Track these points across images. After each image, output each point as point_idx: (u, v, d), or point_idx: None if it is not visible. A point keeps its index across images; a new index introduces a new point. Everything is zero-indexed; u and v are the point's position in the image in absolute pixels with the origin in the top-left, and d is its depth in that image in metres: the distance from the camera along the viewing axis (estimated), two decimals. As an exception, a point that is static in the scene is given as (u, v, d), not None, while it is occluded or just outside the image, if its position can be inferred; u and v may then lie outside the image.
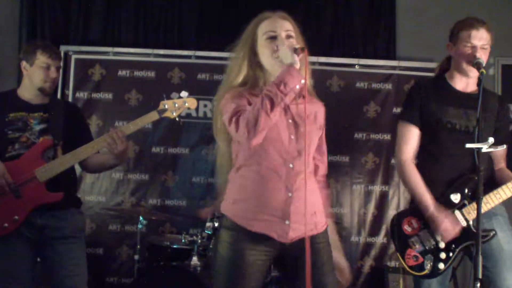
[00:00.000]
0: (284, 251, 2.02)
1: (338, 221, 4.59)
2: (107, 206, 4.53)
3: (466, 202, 2.47)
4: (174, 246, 3.77)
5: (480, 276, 2.06)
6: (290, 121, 2.03)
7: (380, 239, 4.61)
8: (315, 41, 4.87)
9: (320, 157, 2.19)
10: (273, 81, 1.93)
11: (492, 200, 2.42)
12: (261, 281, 2.04)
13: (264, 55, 2.08)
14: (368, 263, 4.60)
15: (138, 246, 3.86)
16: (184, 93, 2.77)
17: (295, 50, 1.94)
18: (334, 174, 4.63)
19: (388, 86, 4.73)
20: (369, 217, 4.64)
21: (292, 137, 2.01)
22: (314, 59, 4.70)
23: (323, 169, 2.20)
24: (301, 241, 1.96)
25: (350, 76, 4.76)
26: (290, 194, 1.97)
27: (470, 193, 2.46)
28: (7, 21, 4.67)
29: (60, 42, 4.63)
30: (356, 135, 4.70)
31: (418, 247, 2.51)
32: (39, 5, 4.71)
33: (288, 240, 1.98)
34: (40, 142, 2.74)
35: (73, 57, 4.63)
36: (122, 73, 4.65)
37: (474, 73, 2.48)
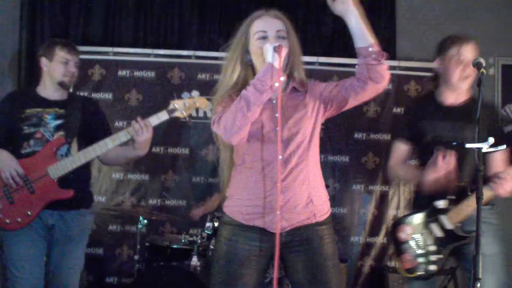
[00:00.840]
0: (281, 246, 2.02)
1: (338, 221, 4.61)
2: (107, 206, 4.53)
3: (450, 207, 2.60)
4: (174, 246, 3.77)
5: (480, 276, 2.07)
6: (276, 115, 2.04)
7: (380, 239, 4.61)
8: (315, 41, 4.87)
9: (343, 83, 2.15)
10: (251, 80, 1.97)
11: (474, 204, 2.42)
12: (256, 278, 2.06)
13: (255, 55, 2.09)
14: (368, 263, 4.61)
15: (138, 246, 3.87)
16: (195, 93, 2.81)
17: (274, 49, 1.95)
18: (334, 174, 4.64)
19: (388, 86, 4.73)
20: (369, 217, 4.65)
21: (277, 129, 2.02)
22: (314, 59, 4.71)
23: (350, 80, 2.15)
24: (297, 230, 2.03)
25: (350, 76, 4.74)
26: (278, 185, 1.99)
27: (454, 198, 2.60)
28: (7, 21, 4.67)
29: (60, 42, 4.64)
30: (356, 135, 4.70)
31: (411, 251, 2.66)
32: (39, 5, 4.71)
33: (280, 230, 1.99)
34: (53, 141, 2.81)
35: (73, 57, 4.63)
36: (122, 73, 4.65)
37: (465, 85, 2.61)
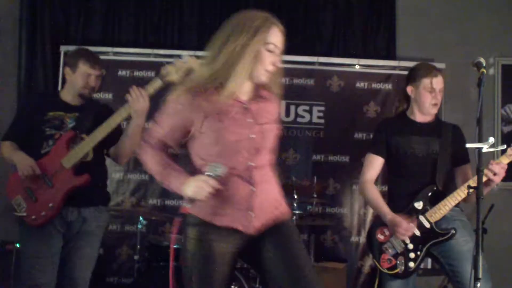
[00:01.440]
0: (250, 241, 2.07)
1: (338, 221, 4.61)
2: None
3: (428, 207, 2.86)
4: (174, 246, 3.76)
5: (480, 276, 2.09)
6: (249, 120, 2.06)
7: (363, 239, 4.61)
8: (315, 41, 4.88)
9: None
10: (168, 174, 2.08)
11: (449, 203, 2.81)
12: (228, 275, 2.07)
13: (259, 60, 2.03)
14: (368, 263, 4.60)
15: (138, 246, 3.86)
16: (184, 56, 2.87)
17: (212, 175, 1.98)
18: (334, 174, 4.63)
19: (388, 86, 4.74)
20: (369, 217, 4.64)
21: (253, 136, 2.05)
22: (314, 59, 4.72)
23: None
24: (267, 227, 2.07)
25: (350, 76, 4.76)
26: (253, 189, 2.04)
27: (431, 199, 2.86)
28: (7, 21, 4.67)
29: (60, 42, 4.64)
30: (356, 135, 4.70)
31: (390, 251, 2.87)
32: (39, 5, 4.72)
33: (253, 230, 2.05)
34: (64, 135, 2.92)
35: (73, 57, 4.63)
36: (122, 73, 4.66)
37: (435, 110, 2.99)
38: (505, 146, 2.61)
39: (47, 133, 2.93)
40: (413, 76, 3.02)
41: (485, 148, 2.22)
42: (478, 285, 2.10)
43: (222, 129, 2.02)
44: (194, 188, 1.97)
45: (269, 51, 2.04)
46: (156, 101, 2.44)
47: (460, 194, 2.80)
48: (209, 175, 1.96)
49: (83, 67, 2.99)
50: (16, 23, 4.69)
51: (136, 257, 3.87)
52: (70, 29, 4.75)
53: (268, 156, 2.13)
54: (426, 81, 2.94)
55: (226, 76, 2.01)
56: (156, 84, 2.88)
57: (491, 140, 2.24)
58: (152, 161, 2.13)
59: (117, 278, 4.52)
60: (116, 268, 4.52)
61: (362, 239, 4.63)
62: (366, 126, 4.67)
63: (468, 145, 2.35)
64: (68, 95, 3.06)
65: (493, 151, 2.32)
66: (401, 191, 2.96)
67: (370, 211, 4.64)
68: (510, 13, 4.75)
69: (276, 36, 2.06)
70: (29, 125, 2.97)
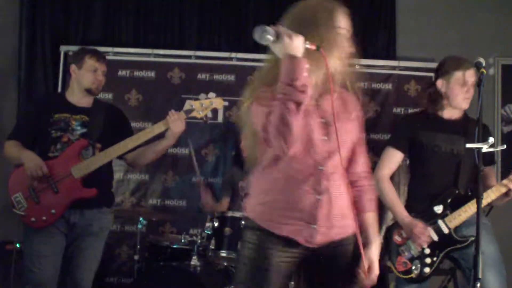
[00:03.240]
0: (311, 255, 1.91)
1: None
2: (107, 206, 4.52)
3: (448, 212, 2.76)
4: (174, 246, 3.77)
5: (480, 276, 2.09)
6: (321, 120, 1.89)
7: (380, 239, 4.60)
8: (315, 41, 4.87)
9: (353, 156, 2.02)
10: (284, 81, 1.73)
11: (470, 209, 2.69)
12: (283, 284, 1.94)
13: (334, 45, 1.84)
14: (368, 263, 4.60)
15: (138, 246, 3.86)
16: (211, 94, 2.94)
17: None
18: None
19: (388, 86, 4.73)
20: (369, 217, 4.63)
21: (325, 137, 1.88)
22: (314, 59, 4.71)
23: (355, 166, 2.03)
24: (329, 245, 1.90)
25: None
26: (319, 197, 1.86)
27: (451, 204, 2.76)
28: (7, 21, 4.67)
29: (60, 42, 4.64)
30: (356, 135, 4.69)
31: (406, 254, 2.79)
32: (39, 5, 4.71)
33: (315, 244, 1.88)
34: (77, 142, 2.93)
35: (73, 57, 4.63)
36: (122, 73, 4.65)
37: (467, 105, 2.84)
38: (505, 146, 2.58)
39: (53, 136, 2.93)
40: (444, 69, 2.86)
41: (485, 148, 2.22)
42: (478, 285, 2.10)
43: None
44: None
45: (342, 34, 1.86)
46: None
47: (499, 189, 2.71)
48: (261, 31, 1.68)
49: (89, 61, 3.01)
50: (16, 23, 4.69)
51: (136, 257, 3.87)
52: (70, 29, 4.74)
53: (342, 161, 1.90)
54: (458, 74, 2.79)
55: None
56: (181, 117, 2.94)
57: (491, 140, 2.24)
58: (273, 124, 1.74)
59: (117, 278, 4.51)
60: (116, 268, 4.51)
61: (362, 239, 4.61)
62: (366, 126, 4.61)
63: (468, 145, 2.33)
64: (73, 95, 3.06)
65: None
66: (421, 191, 2.85)
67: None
68: (510, 13, 4.74)
69: (342, 18, 1.89)
70: (36, 126, 2.97)
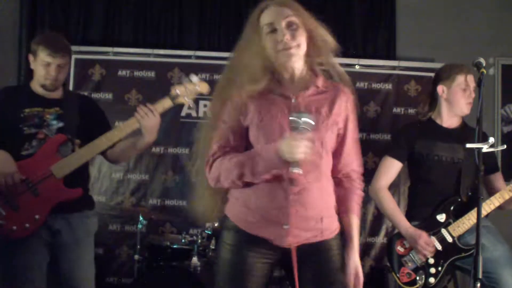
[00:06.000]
0: (287, 255, 1.91)
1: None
2: (107, 206, 4.53)
3: (451, 220, 2.74)
4: (174, 246, 3.77)
5: (480, 276, 2.09)
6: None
7: (380, 239, 4.61)
8: (315, 41, 4.87)
9: (337, 158, 1.99)
10: (253, 155, 1.84)
11: (473, 217, 2.65)
12: (261, 284, 1.95)
13: (268, 49, 1.92)
14: (368, 263, 4.60)
15: (138, 246, 3.86)
16: (194, 78, 2.72)
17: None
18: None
19: (388, 86, 4.73)
20: (369, 217, 4.64)
21: None
22: (314, 59, 4.70)
23: (341, 167, 2.01)
24: (306, 247, 1.89)
25: (350, 76, 4.70)
26: (291, 197, 1.85)
27: (454, 212, 2.74)
28: (7, 21, 4.67)
29: (60, 42, 4.64)
30: (356, 135, 4.69)
31: (410, 265, 2.75)
32: (39, 5, 4.71)
33: (286, 245, 1.88)
34: (54, 138, 2.67)
35: (73, 57, 4.60)
36: (122, 73, 4.65)
37: (468, 110, 2.81)
38: (505, 146, 2.55)
39: (26, 133, 2.65)
40: (444, 74, 2.83)
41: (485, 148, 2.22)
42: (478, 285, 2.09)
43: (263, 126, 1.89)
44: (288, 149, 1.71)
45: (270, 32, 1.91)
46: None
47: (485, 208, 2.66)
48: (293, 122, 1.72)
49: (41, 55, 2.69)
50: (16, 23, 4.68)
51: (136, 257, 3.87)
52: (70, 29, 4.74)
53: (321, 161, 1.89)
54: (460, 78, 2.76)
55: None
56: (166, 103, 2.72)
57: (491, 140, 2.24)
58: (221, 167, 1.93)
59: (117, 278, 4.51)
60: (116, 268, 4.51)
61: (362, 239, 4.61)
62: (366, 126, 4.66)
63: (468, 145, 2.32)
64: (38, 86, 2.77)
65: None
66: (422, 200, 2.83)
67: (370, 211, 4.64)
68: (510, 13, 4.74)
69: (264, 16, 1.92)
70: (4, 124, 2.66)
